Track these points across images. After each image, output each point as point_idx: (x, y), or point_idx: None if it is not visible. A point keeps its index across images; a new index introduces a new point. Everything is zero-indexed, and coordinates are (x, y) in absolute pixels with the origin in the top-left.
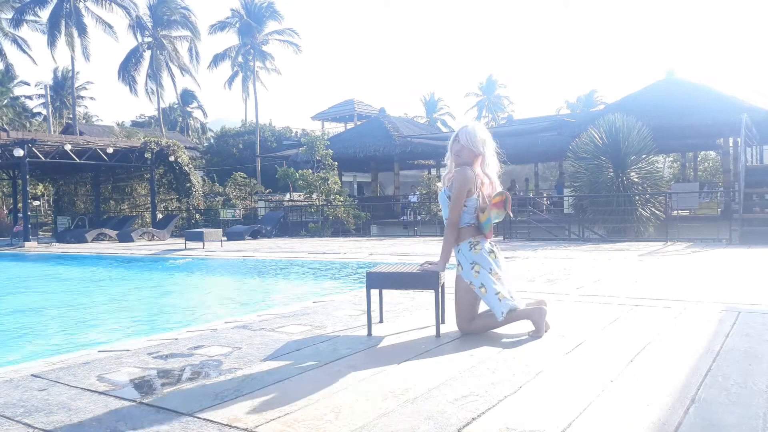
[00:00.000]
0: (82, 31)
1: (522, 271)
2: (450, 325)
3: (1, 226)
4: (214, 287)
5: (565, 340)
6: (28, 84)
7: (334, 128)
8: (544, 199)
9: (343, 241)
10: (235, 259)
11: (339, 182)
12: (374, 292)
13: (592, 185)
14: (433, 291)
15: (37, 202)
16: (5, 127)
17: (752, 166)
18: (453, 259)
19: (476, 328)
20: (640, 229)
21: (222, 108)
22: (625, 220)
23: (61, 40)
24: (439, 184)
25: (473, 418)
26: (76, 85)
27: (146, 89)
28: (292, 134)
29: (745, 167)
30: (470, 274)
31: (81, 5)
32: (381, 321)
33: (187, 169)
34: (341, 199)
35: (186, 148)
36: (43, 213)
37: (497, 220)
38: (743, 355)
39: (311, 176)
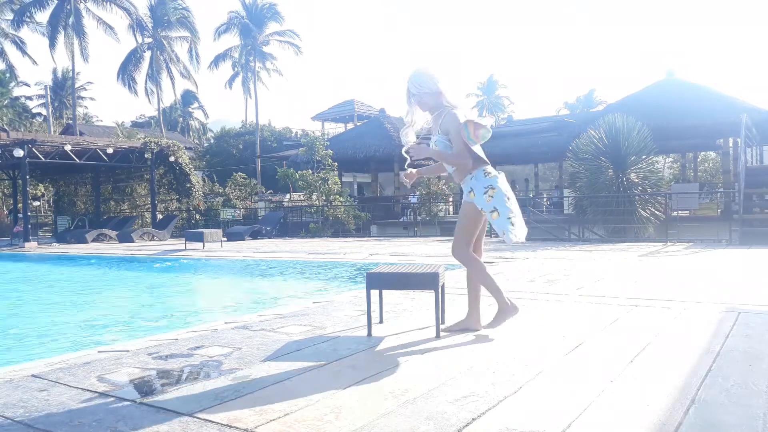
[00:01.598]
0: (82, 32)
1: (522, 271)
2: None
3: (1, 227)
4: (214, 288)
5: (565, 340)
6: (28, 85)
7: (334, 129)
8: (545, 199)
9: (343, 241)
10: (235, 260)
11: (339, 183)
12: (374, 293)
13: (592, 185)
14: (432, 291)
15: (37, 203)
16: (5, 127)
17: (752, 166)
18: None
19: (466, 260)
20: (640, 230)
21: (222, 108)
22: (625, 221)
23: (61, 41)
24: (407, 141)
25: (473, 419)
26: (76, 85)
27: (146, 90)
28: (292, 134)
29: (745, 168)
30: (483, 199)
31: (81, 6)
32: (381, 321)
33: (187, 169)
34: (341, 199)
35: (185, 148)
36: (43, 213)
37: (488, 136)
38: (743, 355)
39: (311, 177)
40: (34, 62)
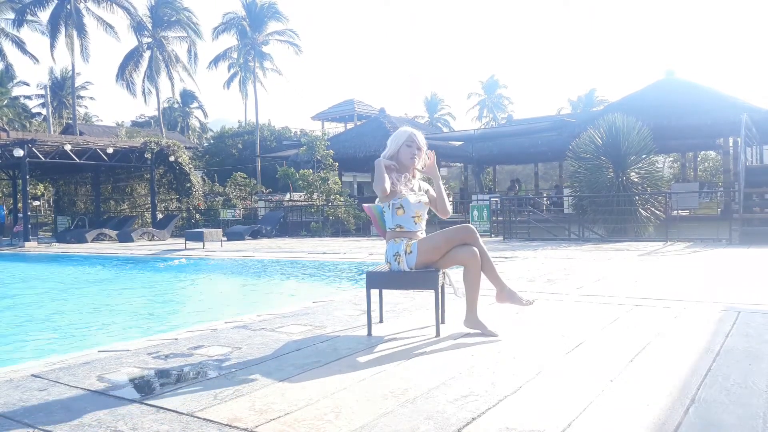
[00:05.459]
0: (82, 31)
1: (522, 271)
2: (450, 325)
3: (1, 226)
4: (213, 287)
5: (565, 340)
6: (28, 84)
7: (334, 128)
8: (544, 199)
9: (344, 241)
10: (235, 259)
11: (339, 182)
12: (374, 292)
13: (592, 185)
14: (432, 291)
15: (37, 202)
16: (5, 127)
17: (752, 166)
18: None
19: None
20: (640, 229)
21: (222, 108)
22: (625, 220)
23: (61, 41)
24: (411, 189)
25: (473, 418)
26: (75, 85)
27: (144, 90)
28: (292, 134)
29: (745, 167)
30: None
31: (82, 6)
32: (381, 321)
33: (187, 169)
34: (341, 199)
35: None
36: (43, 213)
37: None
38: (743, 354)
39: (311, 176)
40: (36, 61)
